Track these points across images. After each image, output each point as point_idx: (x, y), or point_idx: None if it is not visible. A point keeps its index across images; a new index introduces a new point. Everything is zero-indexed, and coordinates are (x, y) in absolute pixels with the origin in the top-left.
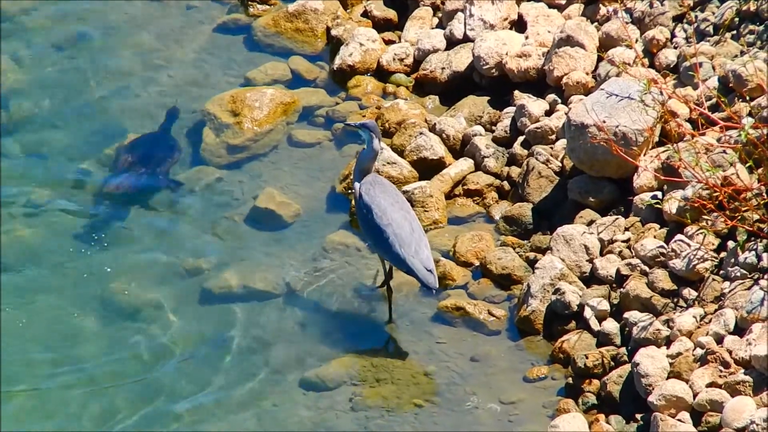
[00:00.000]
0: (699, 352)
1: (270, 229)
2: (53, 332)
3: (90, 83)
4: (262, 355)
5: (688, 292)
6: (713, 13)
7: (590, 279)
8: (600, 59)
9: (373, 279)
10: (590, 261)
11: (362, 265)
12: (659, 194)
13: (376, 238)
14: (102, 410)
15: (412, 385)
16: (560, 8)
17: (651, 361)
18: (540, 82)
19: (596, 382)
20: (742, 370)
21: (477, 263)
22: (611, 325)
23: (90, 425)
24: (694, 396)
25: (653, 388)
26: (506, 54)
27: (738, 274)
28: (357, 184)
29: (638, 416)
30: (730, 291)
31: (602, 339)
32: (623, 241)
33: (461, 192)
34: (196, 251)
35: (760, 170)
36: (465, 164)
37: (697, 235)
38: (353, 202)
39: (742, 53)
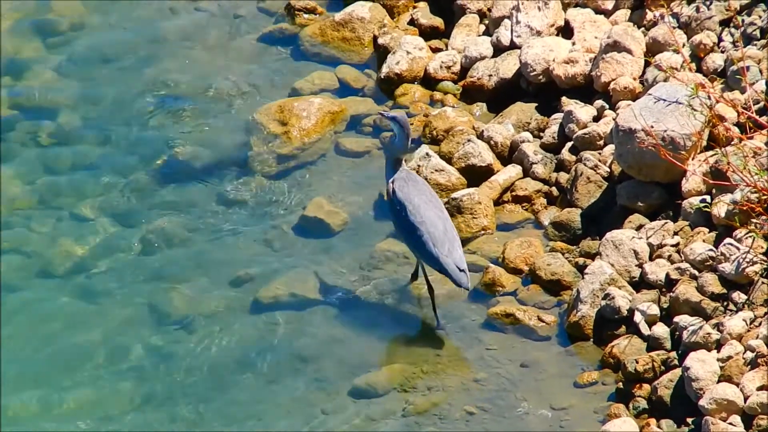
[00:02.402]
0: (749, 355)
1: (318, 237)
2: (103, 341)
3: (138, 95)
4: (311, 362)
5: (738, 296)
6: (760, 17)
7: (640, 284)
8: (647, 64)
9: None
10: (639, 266)
11: (410, 272)
12: (708, 198)
13: (409, 236)
14: (151, 416)
15: (463, 392)
16: (607, 14)
17: (701, 365)
18: (587, 88)
19: (647, 387)
20: None
21: (526, 269)
22: (661, 330)
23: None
24: (745, 399)
25: (704, 392)
26: (553, 60)
27: None
28: (390, 180)
29: (689, 420)
30: None
31: (652, 343)
32: (672, 246)
33: (510, 198)
34: (245, 260)
35: None
36: (513, 171)
37: (746, 238)
38: (385, 197)
39: None
